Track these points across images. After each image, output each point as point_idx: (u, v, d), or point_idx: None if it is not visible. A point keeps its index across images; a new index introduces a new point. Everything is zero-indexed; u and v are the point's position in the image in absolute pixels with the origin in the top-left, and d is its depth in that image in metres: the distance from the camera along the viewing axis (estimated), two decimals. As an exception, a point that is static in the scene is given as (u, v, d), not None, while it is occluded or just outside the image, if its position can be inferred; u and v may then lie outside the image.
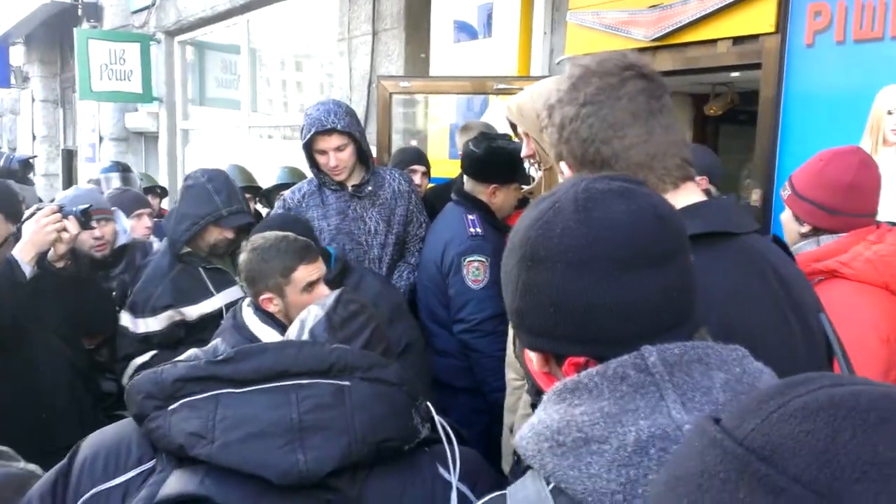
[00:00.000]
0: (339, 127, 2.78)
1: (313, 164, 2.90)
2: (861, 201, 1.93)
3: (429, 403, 1.16)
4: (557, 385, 0.78)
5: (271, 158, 6.17)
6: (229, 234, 2.76)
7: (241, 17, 7.25)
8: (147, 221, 3.74)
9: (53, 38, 11.26)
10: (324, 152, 2.82)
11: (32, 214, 2.41)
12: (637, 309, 0.76)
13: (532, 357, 0.85)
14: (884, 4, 2.66)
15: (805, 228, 1.94)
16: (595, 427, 0.72)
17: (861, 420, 0.48)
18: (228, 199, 2.74)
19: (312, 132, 2.78)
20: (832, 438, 0.48)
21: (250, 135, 7.51)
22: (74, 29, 8.53)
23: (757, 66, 3.14)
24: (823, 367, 1.14)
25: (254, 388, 1.06)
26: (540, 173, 1.95)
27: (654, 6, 3.46)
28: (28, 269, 2.32)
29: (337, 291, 1.31)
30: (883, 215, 2.03)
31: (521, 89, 3.77)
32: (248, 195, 4.25)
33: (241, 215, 2.77)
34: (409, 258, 3.05)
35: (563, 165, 1.15)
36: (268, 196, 4.57)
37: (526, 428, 0.78)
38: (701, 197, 1.15)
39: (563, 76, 1.15)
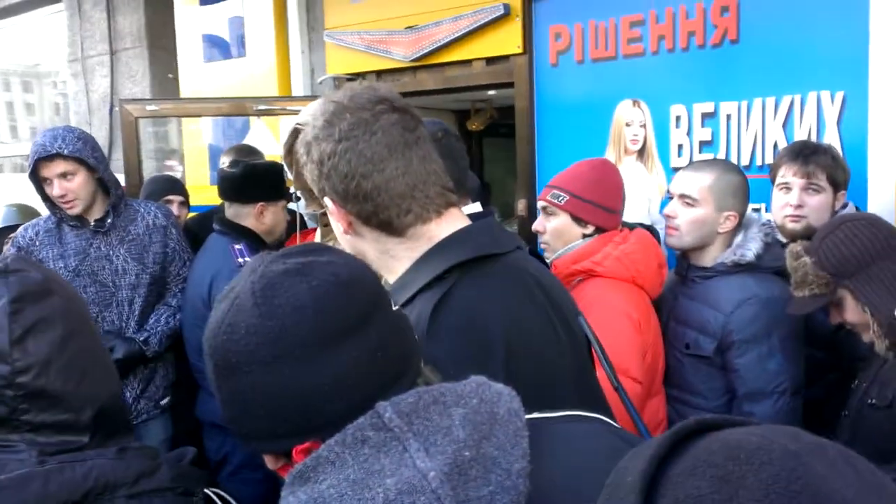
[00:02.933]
0: (65, 152, 2.47)
1: (45, 197, 2.56)
2: (623, 202, 2.15)
3: (206, 490, 0.99)
4: (298, 466, 0.73)
5: (1, 194, 5.38)
6: None
7: (-49, 34, 6.29)
8: None
9: None
10: (48, 180, 2.51)
11: None
12: (346, 383, 0.75)
13: (265, 457, 0.82)
14: (614, 27, 2.91)
15: (589, 229, 2.08)
16: (343, 499, 0.69)
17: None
18: None
19: (34, 159, 2.47)
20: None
21: (-29, 168, 6.53)
22: None
23: (510, 84, 3.30)
24: (588, 369, 1.23)
25: None
26: None
27: (409, 27, 3.50)
28: None
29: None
30: (626, 217, 2.21)
31: (283, 110, 3.65)
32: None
33: None
34: (171, 300, 2.78)
35: (327, 201, 1.12)
36: None
37: None
38: (465, 222, 1.17)
39: (316, 112, 1.12)
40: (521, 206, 3.33)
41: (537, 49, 3.18)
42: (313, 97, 3.74)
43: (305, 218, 3.33)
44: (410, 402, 0.73)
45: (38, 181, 2.53)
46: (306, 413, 0.75)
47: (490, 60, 3.36)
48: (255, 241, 2.71)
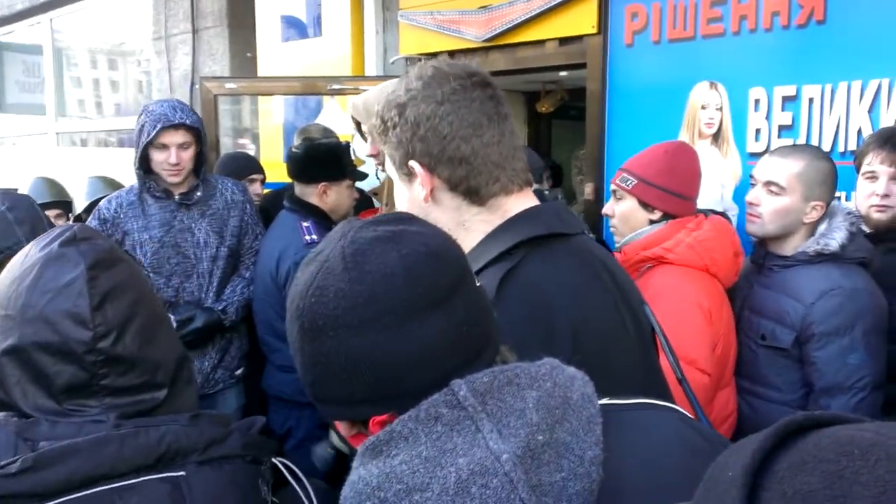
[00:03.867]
0: (188, 122, 2.62)
1: (143, 165, 2.66)
2: (698, 187, 2.10)
3: (273, 459, 1.01)
4: (371, 439, 0.73)
5: (85, 167, 5.63)
6: None
7: (44, 15, 6.61)
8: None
9: None
10: (165, 148, 2.61)
11: None
12: (431, 355, 0.74)
13: (338, 423, 0.82)
14: (694, 6, 2.83)
15: (656, 215, 2.04)
16: (415, 475, 0.68)
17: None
18: (32, 230, 2.46)
19: (159, 127, 2.57)
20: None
21: (59, 142, 6.85)
22: None
23: (583, 65, 3.25)
24: (653, 360, 1.20)
25: (65, 499, 0.84)
26: (385, 174, 1.91)
27: (483, 7, 3.49)
28: None
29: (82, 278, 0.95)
30: (699, 203, 2.16)
31: (356, 89, 3.70)
32: (58, 211, 3.82)
33: None
34: (244, 272, 2.87)
35: (413, 164, 1.12)
36: (91, 213, 4.13)
37: (347, 488, 0.73)
38: (536, 202, 1.18)
39: (409, 77, 1.14)
40: (588, 189, 3.30)
41: (612, 29, 3.12)
42: (386, 77, 3.77)
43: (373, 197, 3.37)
44: (485, 381, 0.72)
45: (146, 147, 2.62)
46: (388, 382, 0.74)
47: (563, 41, 3.31)
48: (322, 219, 2.77)
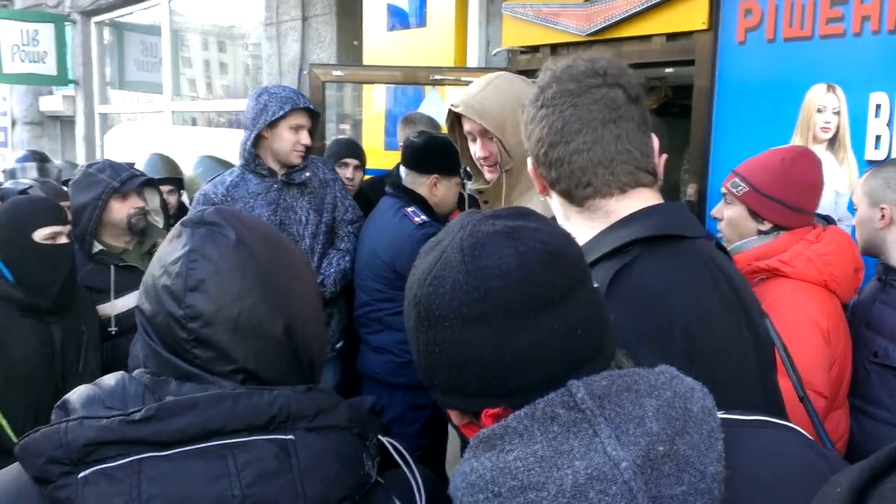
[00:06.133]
0: (311, 106, 2.82)
1: (254, 145, 2.79)
2: (817, 200, 2.02)
3: (379, 437, 1.05)
4: (485, 431, 0.73)
5: (196, 146, 5.91)
6: (138, 202, 2.73)
7: (163, -3, 6.95)
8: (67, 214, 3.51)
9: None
10: (295, 129, 2.78)
11: None
12: (541, 354, 0.74)
13: (450, 411, 0.83)
14: (813, 4, 2.71)
15: (766, 226, 1.97)
16: (530, 473, 0.68)
17: None
18: (114, 171, 2.70)
19: (288, 108, 2.74)
20: None
21: (174, 120, 7.22)
22: (-19, 7, 8.07)
23: (690, 62, 3.17)
24: (771, 376, 1.15)
25: (182, 449, 0.90)
26: (493, 176, 1.93)
27: (587, 1, 3.45)
28: None
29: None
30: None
31: (458, 80, 3.73)
32: (170, 187, 4.03)
33: (134, 179, 2.73)
34: (340, 244, 2.99)
35: (529, 160, 1.20)
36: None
37: (458, 478, 0.73)
38: (654, 201, 1.15)
39: (538, 78, 1.19)
40: (691, 190, 3.22)
41: (724, 25, 3.03)
42: (487, 69, 3.79)
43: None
44: (604, 384, 0.71)
45: (261, 128, 2.76)
46: (498, 377, 0.74)
47: (671, 36, 3.23)
48: (426, 208, 2.81)
